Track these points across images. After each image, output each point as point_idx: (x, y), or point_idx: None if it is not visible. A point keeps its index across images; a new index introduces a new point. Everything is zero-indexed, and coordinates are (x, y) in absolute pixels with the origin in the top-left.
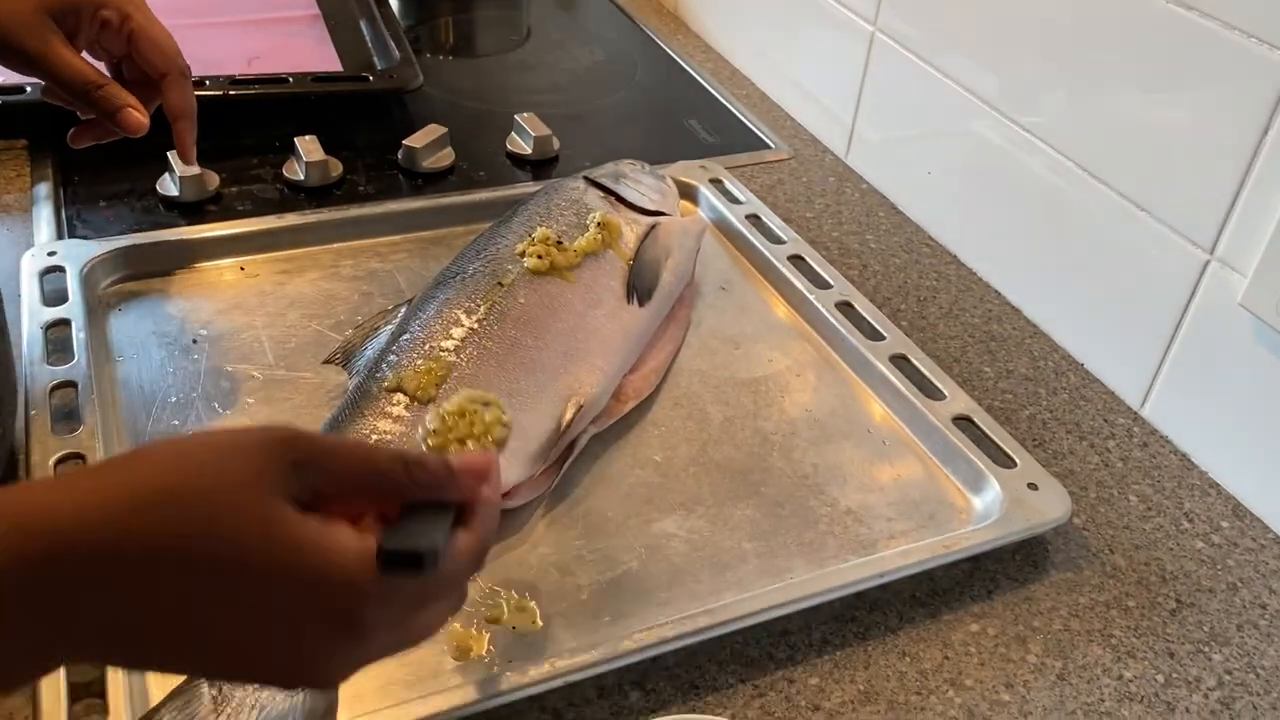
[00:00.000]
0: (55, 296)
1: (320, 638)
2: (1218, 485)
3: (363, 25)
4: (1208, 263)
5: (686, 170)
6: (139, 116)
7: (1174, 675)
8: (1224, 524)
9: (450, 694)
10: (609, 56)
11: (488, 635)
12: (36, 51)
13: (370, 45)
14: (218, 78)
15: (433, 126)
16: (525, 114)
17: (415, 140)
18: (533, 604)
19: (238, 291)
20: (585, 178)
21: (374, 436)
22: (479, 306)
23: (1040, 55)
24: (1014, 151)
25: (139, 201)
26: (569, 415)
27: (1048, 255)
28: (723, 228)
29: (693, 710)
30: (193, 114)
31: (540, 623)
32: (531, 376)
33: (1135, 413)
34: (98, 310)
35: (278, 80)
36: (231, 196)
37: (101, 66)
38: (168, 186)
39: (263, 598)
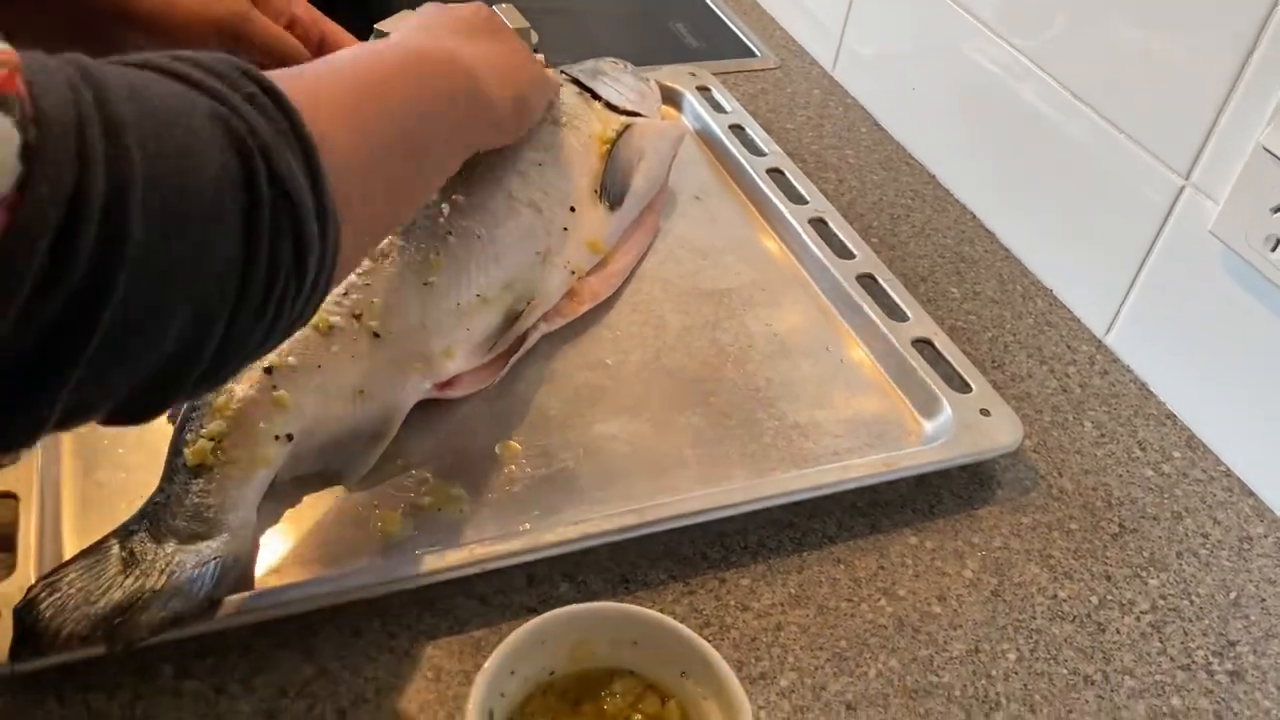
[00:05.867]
0: None
1: None
2: (1174, 416)
3: None
4: (1183, 188)
5: (674, 75)
6: None
7: (1108, 597)
8: (1176, 454)
9: (365, 573)
10: None
11: (412, 520)
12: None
13: None
14: None
15: (406, 12)
16: (503, 4)
17: (387, 25)
18: (461, 492)
19: None
20: (562, 71)
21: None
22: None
23: None
24: (1003, 74)
25: None
26: (518, 308)
27: (1026, 180)
28: (705, 137)
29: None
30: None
31: (468, 511)
32: (481, 266)
33: (1099, 341)
34: None
35: None
36: None
37: None
38: None
39: None
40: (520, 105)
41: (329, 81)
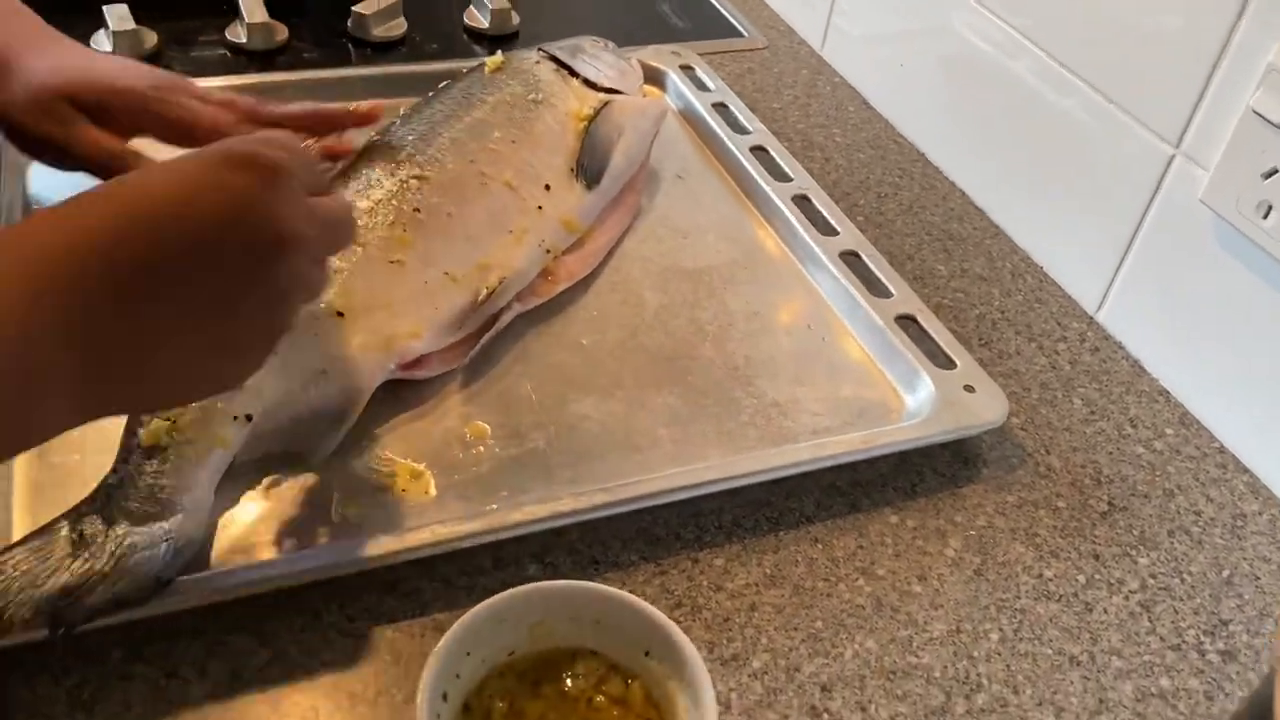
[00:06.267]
0: None
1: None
2: (1167, 393)
3: None
4: (1173, 157)
5: (658, 55)
6: None
7: (1096, 576)
8: (1169, 431)
9: (324, 554)
10: None
11: (375, 501)
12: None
13: None
14: None
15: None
16: None
17: (365, 7)
18: (428, 473)
19: (174, 148)
20: (540, 49)
21: None
22: (401, 169)
23: None
24: (992, 50)
25: None
26: (488, 287)
27: (1016, 156)
28: (688, 115)
29: None
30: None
31: (433, 492)
32: (450, 243)
33: (1090, 318)
34: (20, 156)
35: None
36: (171, 58)
37: None
38: (101, 43)
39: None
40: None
41: None
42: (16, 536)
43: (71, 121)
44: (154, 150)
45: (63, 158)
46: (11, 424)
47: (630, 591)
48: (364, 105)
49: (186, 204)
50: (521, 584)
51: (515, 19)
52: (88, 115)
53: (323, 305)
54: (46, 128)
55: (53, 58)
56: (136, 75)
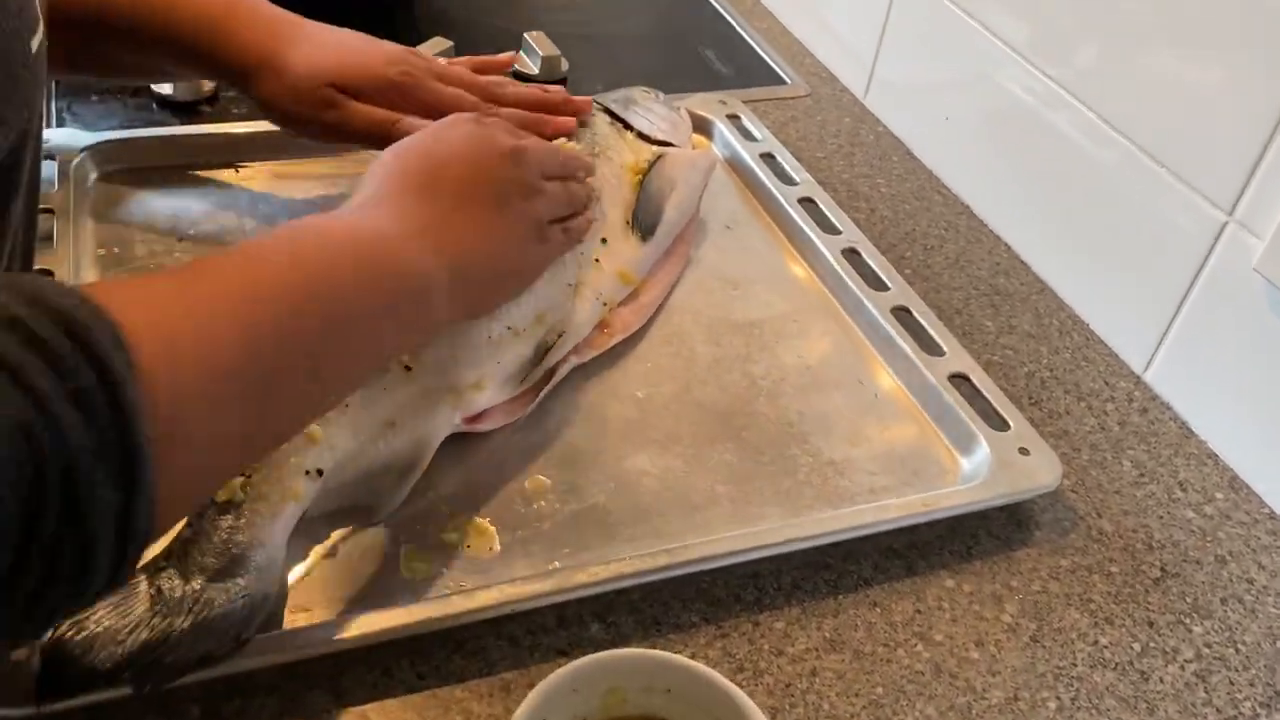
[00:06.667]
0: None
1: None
2: (1216, 456)
3: None
4: (1225, 224)
5: (704, 104)
6: None
7: (1151, 645)
8: (1218, 495)
9: (395, 613)
10: None
11: (441, 557)
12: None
13: None
14: None
15: (438, 39)
16: (534, 32)
17: (425, 48)
18: (492, 529)
19: (230, 195)
20: (595, 101)
21: None
22: None
23: (1075, 6)
24: (1037, 104)
25: (132, 98)
26: (549, 341)
27: (1063, 211)
28: (735, 165)
29: (652, 646)
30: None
31: (498, 548)
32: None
33: (1138, 377)
34: (83, 201)
35: None
36: (228, 99)
37: None
38: (161, 84)
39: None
40: (478, 302)
41: (210, 313)
42: None
43: (341, 104)
44: None
45: (333, 135)
46: (428, 327)
47: (693, 655)
48: (578, 99)
49: (437, 147)
50: (585, 643)
51: (564, 65)
52: (347, 95)
53: None
54: (318, 113)
55: (306, 49)
56: (385, 60)
